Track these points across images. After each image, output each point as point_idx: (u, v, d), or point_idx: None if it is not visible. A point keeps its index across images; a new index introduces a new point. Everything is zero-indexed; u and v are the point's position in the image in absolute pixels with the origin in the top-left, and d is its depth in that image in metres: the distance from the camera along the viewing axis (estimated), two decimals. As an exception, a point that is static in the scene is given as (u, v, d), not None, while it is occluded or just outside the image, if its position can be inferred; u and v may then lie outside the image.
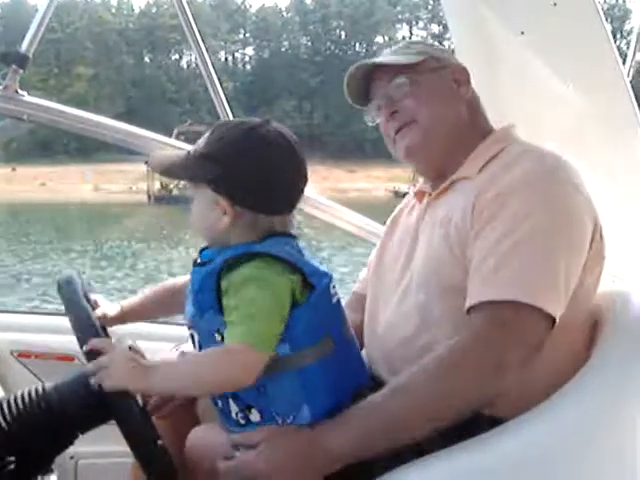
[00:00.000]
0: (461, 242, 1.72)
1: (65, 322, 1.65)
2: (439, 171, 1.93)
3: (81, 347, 1.61)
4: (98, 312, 1.84)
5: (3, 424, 1.59)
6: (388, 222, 2.16)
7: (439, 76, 1.92)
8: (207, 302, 1.58)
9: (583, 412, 1.66)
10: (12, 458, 1.58)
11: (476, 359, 1.59)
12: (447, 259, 1.74)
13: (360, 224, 2.81)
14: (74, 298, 1.71)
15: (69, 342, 1.73)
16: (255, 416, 1.62)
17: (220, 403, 1.66)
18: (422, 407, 1.59)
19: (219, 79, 2.80)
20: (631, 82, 2.33)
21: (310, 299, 1.60)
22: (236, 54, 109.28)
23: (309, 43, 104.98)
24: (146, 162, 1.74)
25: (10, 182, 64.26)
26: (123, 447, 1.58)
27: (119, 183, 62.26)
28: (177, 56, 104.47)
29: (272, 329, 1.55)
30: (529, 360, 1.61)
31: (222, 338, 1.56)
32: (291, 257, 1.59)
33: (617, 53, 2.26)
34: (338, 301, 1.70)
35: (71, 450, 1.71)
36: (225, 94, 2.83)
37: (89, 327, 1.65)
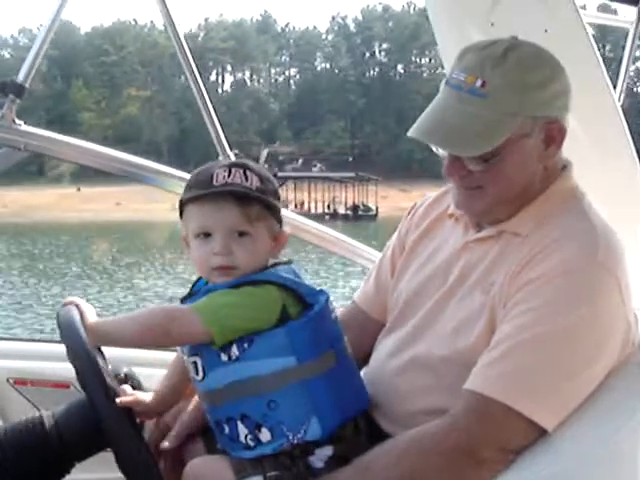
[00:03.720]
0: (494, 318, 1.64)
1: (61, 349, 1.66)
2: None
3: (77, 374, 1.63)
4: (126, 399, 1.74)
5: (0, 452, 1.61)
6: (416, 233, 1.96)
7: (527, 144, 1.66)
8: None
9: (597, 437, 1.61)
10: None
11: (446, 448, 1.55)
12: (478, 336, 1.66)
13: (353, 249, 2.80)
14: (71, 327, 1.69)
15: (65, 369, 1.74)
16: (265, 435, 1.63)
17: (227, 428, 1.67)
18: None
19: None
20: (622, 106, 2.31)
21: (310, 313, 1.65)
22: (279, 77, 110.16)
23: (353, 65, 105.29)
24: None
25: (86, 202, 65.23)
26: (119, 474, 1.60)
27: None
28: (230, 78, 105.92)
29: (230, 316, 1.61)
30: (505, 462, 1.55)
31: (229, 358, 1.62)
32: (285, 281, 1.67)
33: (608, 78, 2.25)
34: (336, 318, 1.74)
35: (67, 478, 1.72)
36: (220, 123, 2.83)
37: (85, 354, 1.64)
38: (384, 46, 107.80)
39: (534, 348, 1.55)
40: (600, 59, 2.26)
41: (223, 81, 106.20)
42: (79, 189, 71.03)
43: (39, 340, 3.14)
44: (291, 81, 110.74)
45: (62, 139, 2.51)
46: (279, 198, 1.75)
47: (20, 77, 2.37)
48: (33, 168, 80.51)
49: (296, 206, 61.40)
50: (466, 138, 1.65)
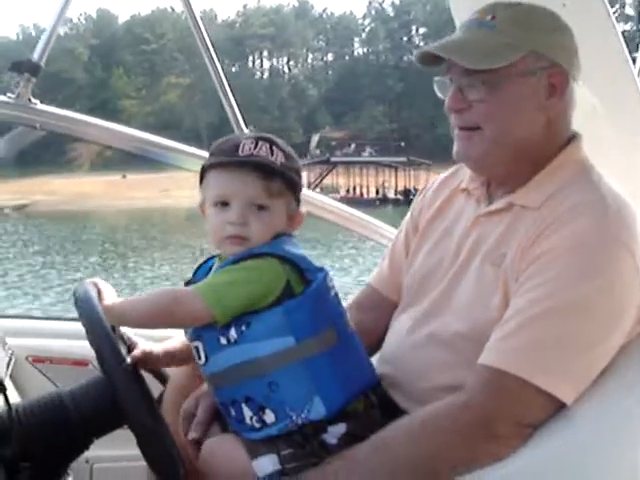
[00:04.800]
0: (507, 292, 1.64)
1: (80, 327, 1.66)
2: (497, 181, 1.81)
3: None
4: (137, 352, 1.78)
5: (19, 429, 1.63)
6: (429, 212, 1.97)
7: (529, 82, 1.69)
8: None
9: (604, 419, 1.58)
10: (28, 463, 1.61)
11: (462, 424, 1.54)
12: (493, 309, 1.65)
13: (371, 226, 2.78)
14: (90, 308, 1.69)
15: (84, 347, 1.74)
16: (269, 417, 1.63)
17: (233, 411, 1.67)
18: (403, 467, 1.56)
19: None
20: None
21: (308, 291, 1.64)
22: (317, 62, 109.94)
23: (391, 50, 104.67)
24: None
25: (133, 189, 65.45)
26: (138, 451, 1.61)
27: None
28: (267, 64, 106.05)
29: (232, 295, 1.60)
30: (522, 437, 1.54)
31: (228, 341, 1.62)
32: (286, 253, 1.65)
33: (627, 53, 2.21)
34: (336, 294, 1.72)
35: (86, 454, 1.74)
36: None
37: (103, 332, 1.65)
38: (422, 30, 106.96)
39: (548, 321, 1.54)
40: (620, 34, 2.22)
41: (262, 66, 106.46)
42: (124, 176, 71.23)
43: (58, 318, 3.16)
44: (329, 66, 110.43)
45: (78, 117, 2.53)
46: (301, 177, 1.75)
47: (35, 56, 2.40)
48: (72, 155, 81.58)
49: (348, 191, 61.22)
50: (473, 53, 1.69)
